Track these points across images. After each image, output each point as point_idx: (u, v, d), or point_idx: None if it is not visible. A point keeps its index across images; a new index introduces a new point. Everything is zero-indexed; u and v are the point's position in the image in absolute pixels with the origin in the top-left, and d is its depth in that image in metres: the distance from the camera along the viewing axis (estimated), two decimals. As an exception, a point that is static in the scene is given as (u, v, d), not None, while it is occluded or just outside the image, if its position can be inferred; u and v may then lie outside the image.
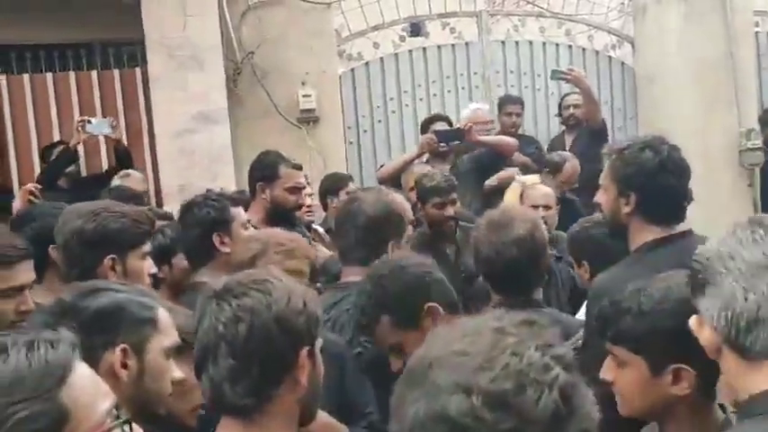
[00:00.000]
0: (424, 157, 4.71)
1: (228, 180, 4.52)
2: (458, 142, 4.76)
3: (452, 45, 6.02)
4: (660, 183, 2.16)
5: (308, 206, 3.80)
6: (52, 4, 4.77)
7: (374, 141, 5.68)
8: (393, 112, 5.71)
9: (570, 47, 6.20)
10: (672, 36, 5.77)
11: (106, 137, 4.75)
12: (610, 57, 6.34)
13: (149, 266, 2.25)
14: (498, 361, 0.86)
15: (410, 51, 5.88)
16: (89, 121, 4.53)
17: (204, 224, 2.62)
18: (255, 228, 2.87)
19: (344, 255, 2.57)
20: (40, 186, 3.61)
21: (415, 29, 5.83)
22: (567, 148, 5.04)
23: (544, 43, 6.18)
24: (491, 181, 4.56)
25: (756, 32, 6.21)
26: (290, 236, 2.42)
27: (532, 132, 5.80)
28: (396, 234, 2.51)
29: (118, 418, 1.12)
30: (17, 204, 3.54)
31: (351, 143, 5.56)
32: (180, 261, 2.76)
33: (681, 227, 2.23)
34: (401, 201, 2.67)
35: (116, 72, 5.11)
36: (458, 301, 2.08)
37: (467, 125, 4.63)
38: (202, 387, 1.38)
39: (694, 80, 5.71)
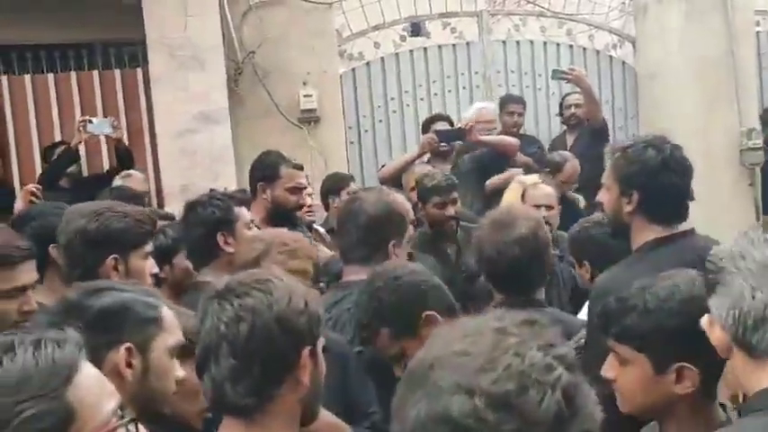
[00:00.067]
0: (425, 157, 4.71)
1: (230, 180, 4.52)
2: (459, 142, 4.77)
3: (453, 45, 6.01)
4: (663, 182, 2.16)
5: (309, 206, 3.80)
6: (53, 4, 4.77)
7: (375, 141, 5.68)
8: (394, 111, 5.71)
9: (571, 46, 6.20)
10: (673, 35, 5.77)
11: (107, 137, 4.75)
12: (611, 56, 6.34)
13: (151, 266, 2.26)
14: (500, 361, 0.86)
15: (411, 51, 5.88)
16: (90, 121, 4.53)
17: (208, 224, 2.63)
18: (258, 227, 2.87)
19: (346, 254, 2.57)
20: (40, 187, 3.61)
21: (416, 29, 5.84)
22: (569, 148, 5.04)
23: (545, 43, 6.17)
24: (493, 181, 4.56)
25: (757, 32, 6.21)
26: (294, 236, 2.43)
27: (533, 132, 5.80)
28: (397, 234, 2.52)
29: (123, 417, 1.12)
30: (18, 204, 3.54)
31: (352, 143, 5.56)
32: (181, 261, 2.76)
33: (683, 226, 2.23)
34: (402, 201, 2.67)
35: (117, 72, 5.11)
36: (456, 304, 2.08)
37: (468, 125, 4.63)
38: (204, 387, 1.38)
39: (695, 79, 5.71)
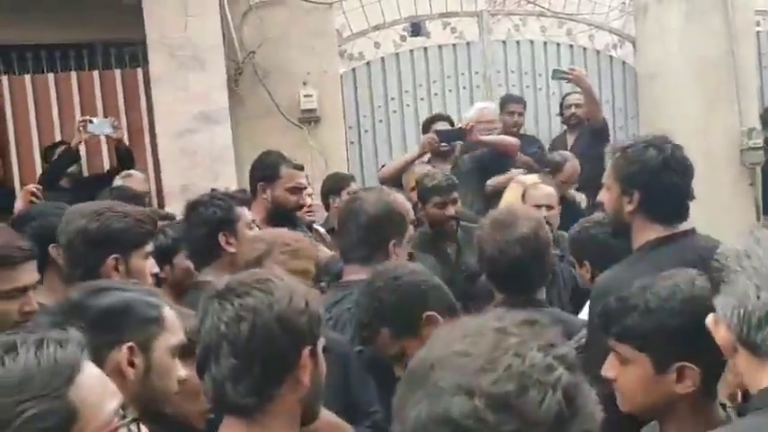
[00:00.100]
0: (426, 157, 4.71)
1: (230, 180, 4.52)
2: (459, 142, 4.77)
3: (453, 45, 6.01)
4: (663, 181, 2.16)
5: (309, 206, 3.80)
6: (53, 4, 4.77)
7: (375, 141, 5.68)
8: (394, 111, 5.71)
9: (571, 46, 6.19)
10: (673, 35, 5.77)
11: (107, 137, 4.75)
12: (611, 56, 6.34)
13: (151, 266, 2.26)
14: (500, 362, 0.86)
15: (411, 51, 5.88)
16: (91, 121, 4.53)
17: (210, 224, 2.63)
18: (258, 227, 2.87)
19: (346, 254, 2.58)
20: (41, 187, 3.61)
21: (416, 29, 5.84)
22: (569, 148, 5.04)
23: (545, 43, 6.17)
24: (493, 181, 4.56)
25: (757, 32, 6.21)
26: (295, 236, 2.43)
27: (533, 132, 5.81)
28: (397, 233, 2.52)
29: (125, 417, 1.12)
30: (19, 205, 3.54)
31: (352, 143, 5.56)
32: (181, 261, 2.77)
33: (684, 225, 2.23)
34: (402, 200, 2.68)
35: (117, 72, 5.11)
36: (457, 303, 2.08)
37: (468, 125, 4.64)
38: (204, 386, 1.38)
39: (695, 79, 5.71)
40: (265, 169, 3.52)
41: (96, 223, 2.17)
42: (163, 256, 2.62)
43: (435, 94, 5.79)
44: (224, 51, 4.85)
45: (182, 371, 1.55)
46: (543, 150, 5.22)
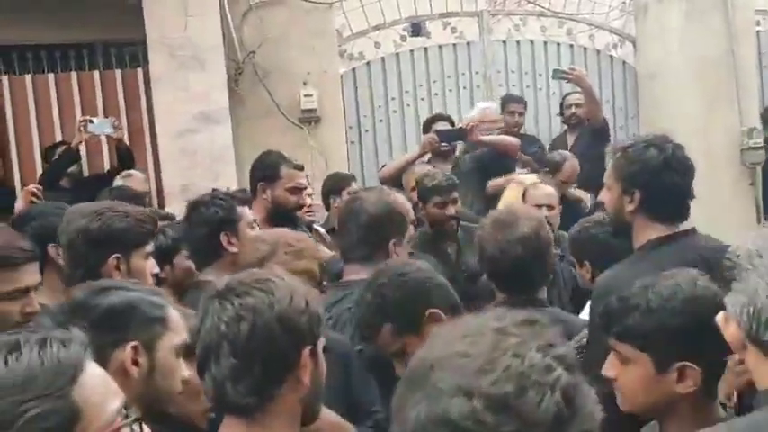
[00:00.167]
0: (426, 157, 4.71)
1: (230, 180, 4.52)
2: (460, 142, 4.77)
3: (454, 45, 6.01)
4: (664, 181, 2.16)
5: (309, 206, 3.80)
6: (54, 4, 4.77)
7: (376, 141, 5.68)
8: (394, 111, 5.72)
9: (571, 46, 6.19)
10: (673, 35, 5.77)
11: (108, 137, 4.75)
12: (611, 56, 6.34)
13: (152, 266, 2.26)
14: (499, 363, 0.86)
15: (411, 51, 5.88)
16: (91, 121, 4.53)
17: (212, 223, 2.63)
18: (258, 227, 2.87)
19: (346, 253, 2.58)
20: (41, 187, 3.61)
21: (417, 29, 5.84)
22: (569, 148, 5.05)
23: (545, 43, 6.17)
24: (495, 183, 4.56)
25: (757, 31, 6.20)
26: (297, 236, 2.43)
27: (533, 132, 5.81)
28: (397, 233, 2.52)
29: (127, 417, 1.12)
30: (19, 205, 3.55)
31: (352, 143, 5.56)
32: (182, 261, 2.77)
33: (684, 225, 2.23)
34: (403, 200, 2.68)
35: (118, 72, 5.11)
36: (460, 303, 2.08)
37: (469, 125, 4.64)
38: (205, 386, 1.38)
39: (695, 79, 5.71)
40: (265, 169, 3.52)
41: (97, 223, 2.17)
42: (163, 256, 2.62)
43: (435, 94, 5.79)
44: (224, 51, 4.85)
45: (185, 371, 1.55)
46: (544, 150, 5.23)
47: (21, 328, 1.72)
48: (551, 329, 0.92)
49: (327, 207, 4.23)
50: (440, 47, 5.93)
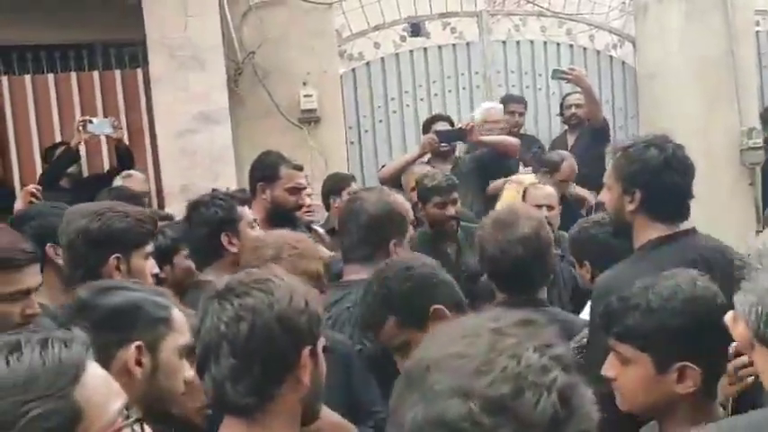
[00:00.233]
0: (426, 158, 4.71)
1: (230, 180, 4.52)
2: (460, 142, 4.77)
3: (453, 45, 6.01)
4: (665, 180, 2.16)
5: (308, 206, 3.80)
6: (53, 4, 4.77)
7: (375, 141, 5.68)
8: (394, 112, 5.71)
9: (571, 46, 6.20)
10: (673, 35, 5.77)
11: (107, 137, 4.75)
12: (611, 56, 6.34)
13: (152, 266, 2.26)
14: (496, 364, 0.85)
15: (411, 51, 5.88)
16: (90, 121, 4.53)
17: (212, 224, 2.63)
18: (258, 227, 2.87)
19: (347, 253, 2.59)
20: (40, 187, 3.61)
21: (416, 29, 5.83)
22: (569, 148, 5.05)
23: (545, 43, 6.17)
24: (495, 185, 4.56)
25: (757, 32, 6.21)
26: (297, 236, 2.42)
27: (533, 132, 5.81)
28: (398, 233, 2.53)
29: (129, 417, 1.12)
30: (18, 205, 3.55)
31: (352, 143, 5.56)
32: (181, 261, 2.77)
33: (684, 225, 2.23)
34: (402, 201, 2.69)
35: (117, 73, 5.11)
36: (465, 301, 2.07)
37: (468, 125, 4.64)
38: (205, 386, 1.38)
39: (695, 79, 5.71)
40: (265, 169, 3.52)
41: (98, 223, 2.17)
42: (163, 257, 2.62)
43: (435, 95, 5.79)
44: (224, 51, 4.85)
45: (188, 371, 1.55)
46: (543, 150, 5.23)
47: (21, 328, 1.72)
48: (548, 330, 0.92)
49: (327, 207, 4.23)
50: (439, 47, 5.92)
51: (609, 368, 1.64)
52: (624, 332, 1.61)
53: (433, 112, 5.36)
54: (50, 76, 5.03)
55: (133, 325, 1.51)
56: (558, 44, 6.17)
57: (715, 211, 4.76)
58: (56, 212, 2.46)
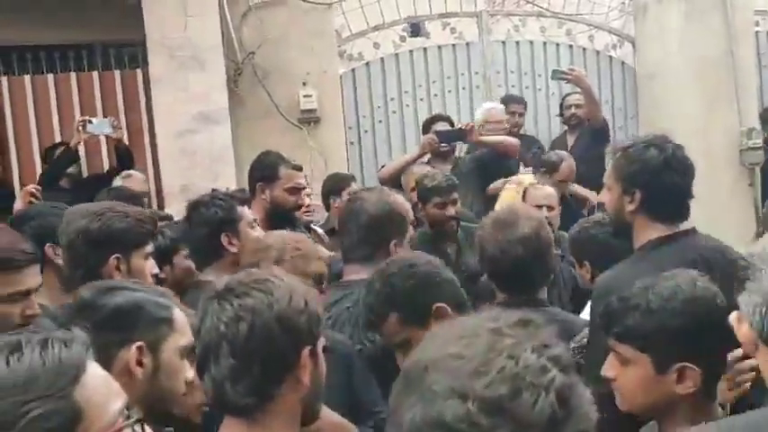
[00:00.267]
0: (425, 158, 4.71)
1: (230, 180, 4.52)
2: (459, 142, 4.77)
3: (453, 45, 6.01)
4: (665, 180, 2.16)
5: (307, 206, 3.80)
6: (53, 4, 4.77)
7: (375, 141, 5.68)
8: (394, 112, 5.72)
9: (571, 47, 6.20)
10: (673, 35, 5.77)
11: (107, 137, 4.75)
12: (610, 56, 6.34)
13: (151, 266, 2.26)
14: (494, 364, 0.85)
15: (411, 51, 5.88)
16: (90, 121, 4.53)
17: (212, 224, 2.63)
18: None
19: (347, 253, 2.59)
20: (40, 188, 3.61)
21: (416, 29, 5.83)
22: (569, 148, 5.05)
23: (545, 43, 6.18)
24: (495, 186, 4.56)
25: (757, 32, 6.21)
26: (297, 237, 2.42)
27: (533, 132, 5.81)
28: (398, 233, 2.53)
29: (129, 417, 1.12)
30: (18, 205, 3.55)
31: (352, 143, 5.56)
32: (181, 261, 2.77)
33: (684, 225, 2.23)
34: (402, 201, 2.69)
35: (117, 73, 5.11)
36: (467, 301, 2.07)
37: (468, 125, 4.64)
38: (204, 386, 1.39)
39: (695, 79, 5.71)
40: (264, 170, 3.52)
41: (98, 223, 2.17)
42: (162, 257, 2.62)
43: (435, 95, 5.79)
44: (223, 52, 4.85)
45: (190, 372, 1.55)
46: (543, 151, 5.23)
47: (21, 329, 1.72)
48: (547, 330, 0.92)
49: (327, 207, 4.23)
50: (439, 47, 5.93)
51: (608, 368, 1.64)
52: (624, 332, 1.61)
53: (433, 113, 5.36)
54: (50, 77, 5.03)
55: (134, 325, 1.51)
56: (558, 44, 6.17)
57: (715, 212, 4.77)
58: (55, 213, 2.46)
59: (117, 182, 4.23)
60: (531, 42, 6.13)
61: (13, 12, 4.75)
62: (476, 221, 3.44)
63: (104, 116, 4.84)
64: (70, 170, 4.68)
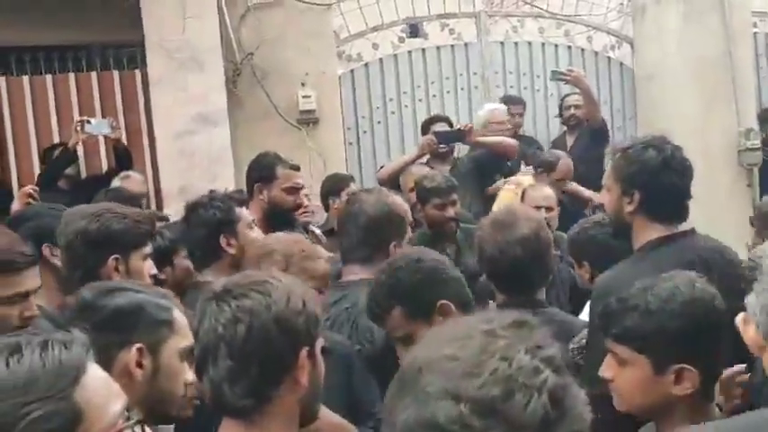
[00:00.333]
0: (424, 158, 4.71)
1: (228, 181, 4.51)
2: (457, 143, 4.77)
3: (451, 46, 6.01)
4: (664, 181, 2.17)
5: (305, 207, 3.80)
6: (51, 5, 4.77)
7: (374, 142, 5.68)
8: (392, 112, 5.71)
9: (569, 47, 6.20)
10: (671, 36, 5.77)
11: (106, 137, 4.74)
12: (609, 57, 6.35)
13: (150, 267, 2.26)
14: (487, 366, 0.85)
15: (409, 52, 5.88)
16: (88, 122, 4.53)
17: (210, 225, 2.63)
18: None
19: (346, 254, 2.59)
20: (37, 188, 3.61)
21: (414, 30, 5.83)
22: (569, 149, 5.07)
23: (543, 44, 6.18)
24: (495, 186, 4.56)
25: (755, 33, 6.22)
26: (297, 238, 2.42)
27: (531, 133, 5.81)
28: (397, 234, 2.53)
29: (129, 419, 1.12)
30: (16, 206, 3.55)
31: (350, 144, 5.56)
32: (181, 261, 2.77)
33: (683, 226, 2.24)
34: (401, 202, 2.70)
35: (116, 74, 5.10)
36: (472, 301, 2.07)
37: (467, 126, 4.64)
38: (203, 388, 1.38)
39: (693, 80, 5.71)
40: (262, 170, 3.52)
41: (96, 224, 2.17)
42: (162, 258, 2.62)
43: (433, 96, 5.79)
44: (222, 53, 4.85)
45: (190, 374, 1.55)
46: (542, 151, 5.23)
47: (20, 331, 1.72)
48: (541, 331, 0.92)
49: (326, 208, 4.23)
50: (438, 48, 5.92)
51: (606, 369, 1.64)
52: (622, 333, 1.61)
53: (432, 113, 5.37)
54: (49, 77, 5.02)
55: (134, 327, 1.52)
56: (556, 45, 6.18)
57: (713, 212, 4.77)
58: (53, 213, 2.46)
59: (115, 183, 4.23)
60: (530, 43, 6.14)
61: (12, 12, 4.74)
62: (474, 222, 3.44)
63: (103, 117, 4.83)
64: (68, 171, 4.67)
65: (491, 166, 4.66)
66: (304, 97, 5.08)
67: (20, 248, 1.95)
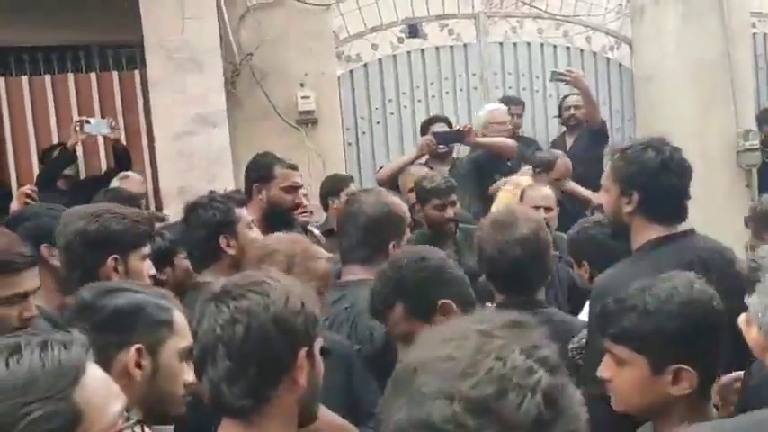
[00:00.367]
0: (423, 159, 4.72)
1: (227, 182, 4.51)
2: (457, 144, 4.77)
3: (450, 46, 6.01)
4: (662, 182, 2.17)
5: (304, 207, 3.80)
6: (51, 5, 4.77)
7: (373, 143, 5.68)
8: (391, 113, 5.71)
9: (568, 48, 6.20)
10: (669, 37, 5.78)
11: (105, 138, 4.74)
12: (608, 58, 6.35)
13: (149, 268, 2.26)
14: (482, 366, 0.85)
15: (408, 53, 5.88)
16: (87, 122, 4.53)
17: (210, 226, 2.62)
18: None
19: (345, 255, 2.60)
20: (36, 189, 3.61)
21: (413, 30, 5.83)
22: (568, 149, 5.07)
23: (542, 45, 6.18)
24: (496, 186, 4.56)
25: (753, 34, 6.22)
26: (296, 238, 2.42)
27: (530, 134, 5.81)
28: (396, 235, 2.54)
29: (129, 419, 1.12)
30: (14, 206, 3.55)
31: (349, 144, 5.56)
32: (181, 261, 2.77)
33: (682, 226, 2.24)
34: (400, 203, 2.70)
35: (115, 74, 5.11)
36: (474, 301, 2.07)
37: (466, 126, 4.65)
38: (202, 388, 1.38)
39: (692, 81, 5.72)
40: (260, 170, 3.52)
41: (95, 225, 2.18)
42: (162, 259, 2.62)
43: (433, 96, 5.79)
44: (221, 53, 4.85)
45: (189, 374, 1.55)
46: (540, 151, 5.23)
47: (20, 331, 1.72)
48: (537, 331, 0.92)
49: (326, 208, 4.23)
50: (437, 48, 5.92)
51: (604, 369, 1.64)
52: (620, 333, 1.62)
53: (431, 114, 5.37)
54: (48, 78, 5.03)
55: (134, 327, 1.52)
56: (555, 46, 6.18)
57: (712, 213, 4.77)
58: (51, 214, 2.46)
59: (114, 183, 4.23)
60: (529, 44, 6.14)
61: (12, 12, 4.74)
62: (474, 223, 3.45)
63: (102, 117, 4.84)
64: (67, 172, 4.67)
65: (490, 166, 4.66)
66: (303, 98, 5.08)
67: (19, 249, 1.95)
